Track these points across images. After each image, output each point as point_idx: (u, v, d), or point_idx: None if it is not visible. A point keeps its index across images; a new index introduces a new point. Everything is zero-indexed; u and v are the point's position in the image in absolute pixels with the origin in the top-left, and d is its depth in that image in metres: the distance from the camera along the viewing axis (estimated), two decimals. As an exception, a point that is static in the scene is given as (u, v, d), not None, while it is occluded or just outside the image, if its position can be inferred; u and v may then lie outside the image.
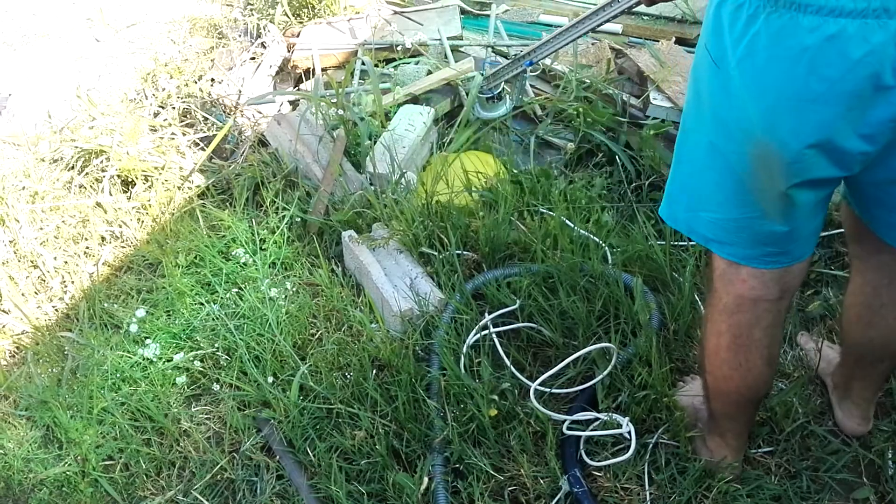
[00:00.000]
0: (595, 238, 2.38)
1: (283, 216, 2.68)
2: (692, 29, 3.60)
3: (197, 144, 3.21)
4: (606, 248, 2.36)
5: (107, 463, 2.05)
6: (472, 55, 3.43)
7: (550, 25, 3.83)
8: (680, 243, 2.39)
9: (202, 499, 1.93)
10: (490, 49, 3.50)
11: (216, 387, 2.20)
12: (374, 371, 2.11)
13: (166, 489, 1.98)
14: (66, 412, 2.15)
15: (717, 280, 1.52)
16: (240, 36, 3.98)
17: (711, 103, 1.31)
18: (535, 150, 2.96)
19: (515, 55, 3.02)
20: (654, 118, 2.86)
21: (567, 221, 2.43)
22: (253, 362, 2.21)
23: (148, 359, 2.28)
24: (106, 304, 2.52)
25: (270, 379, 2.15)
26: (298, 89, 3.54)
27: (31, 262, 2.74)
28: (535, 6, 4.01)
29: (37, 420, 2.18)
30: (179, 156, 3.12)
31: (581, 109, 2.89)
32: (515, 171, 2.71)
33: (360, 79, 3.42)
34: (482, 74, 3.16)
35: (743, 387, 1.61)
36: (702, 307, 2.23)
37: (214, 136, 3.18)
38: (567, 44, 2.76)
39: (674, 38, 3.42)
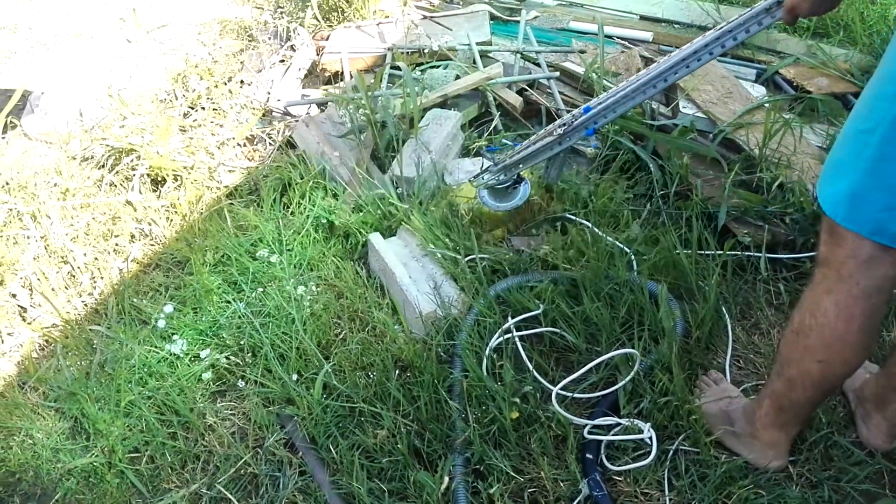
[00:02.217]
0: (621, 245, 2.39)
1: (310, 217, 2.70)
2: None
3: (226, 145, 3.24)
4: (632, 255, 2.37)
5: (133, 455, 2.08)
6: (500, 60, 3.44)
7: (580, 32, 3.83)
8: (706, 252, 2.38)
9: (226, 492, 1.95)
10: (519, 55, 3.51)
11: (241, 383, 2.23)
12: (397, 371, 2.14)
13: (191, 482, 2.00)
14: (93, 404, 2.18)
15: (860, 266, 1.50)
16: (269, 38, 4.03)
17: None
18: (563, 157, 2.95)
19: (564, 125, 2.28)
20: (684, 126, 2.85)
21: (594, 228, 2.44)
22: (277, 360, 2.23)
23: (175, 354, 2.32)
24: (134, 300, 2.56)
25: (294, 377, 2.17)
26: (327, 93, 3.57)
27: (62, 257, 2.78)
28: (566, 13, 4.02)
29: (65, 411, 2.22)
30: (209, 156, 3.15)
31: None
32: (541, 177, 2.71)
33: (388, 82, 3.44)
34: (490, 159, 2.52)
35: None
36: (727, 316, 2.23)
37: (245, 138, 3.22)
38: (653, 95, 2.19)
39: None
